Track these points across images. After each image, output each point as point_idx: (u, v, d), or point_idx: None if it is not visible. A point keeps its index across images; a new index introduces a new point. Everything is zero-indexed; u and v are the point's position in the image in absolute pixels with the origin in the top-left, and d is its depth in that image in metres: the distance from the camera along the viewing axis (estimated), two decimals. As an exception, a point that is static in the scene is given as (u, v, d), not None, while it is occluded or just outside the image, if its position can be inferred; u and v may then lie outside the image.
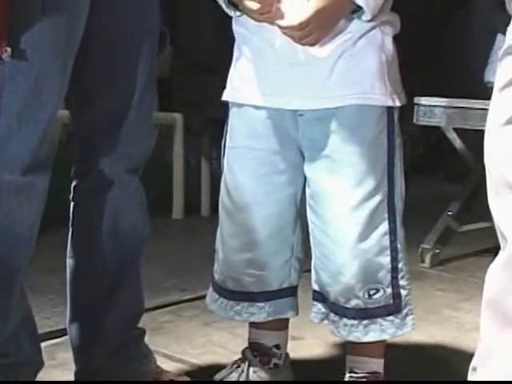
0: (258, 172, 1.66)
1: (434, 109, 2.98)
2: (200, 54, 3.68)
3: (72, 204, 1.72)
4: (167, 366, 1.98)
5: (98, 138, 1.64)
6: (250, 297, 1.72)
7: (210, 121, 3.86)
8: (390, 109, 1.62)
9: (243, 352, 1.81)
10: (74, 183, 1.71)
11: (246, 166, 1.67)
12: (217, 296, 1.75)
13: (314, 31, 1.50)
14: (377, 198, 1.61)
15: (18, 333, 1.60)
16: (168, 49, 3.93)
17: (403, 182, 1.67)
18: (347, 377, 1.73)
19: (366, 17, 1.55)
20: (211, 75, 3.36)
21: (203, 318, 2.31)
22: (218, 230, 1.74)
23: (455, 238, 3.17)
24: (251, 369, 1.77)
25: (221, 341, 2.18)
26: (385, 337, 1.67)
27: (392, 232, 1.63)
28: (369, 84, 1.59)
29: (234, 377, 1.77)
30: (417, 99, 2.98)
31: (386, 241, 1.62)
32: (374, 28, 1.58)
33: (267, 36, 1.57)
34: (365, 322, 1.64)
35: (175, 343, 2.16)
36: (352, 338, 1.66)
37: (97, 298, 1.71)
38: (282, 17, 1.50)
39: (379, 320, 1.64)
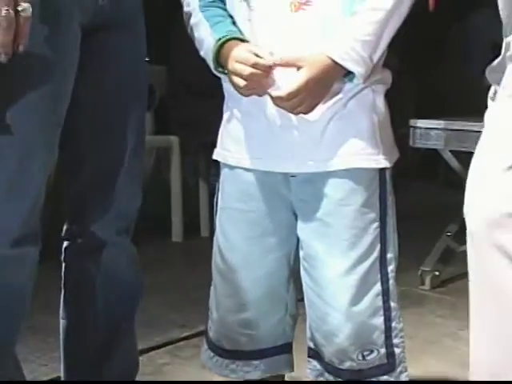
0: (251, 234, 1.64)
1: (429, 131, 2.97)
2: (194, 78, 3.67)
3: (63, 264, 1.71)
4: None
5: (88, 201, 1.63)
6: (245, 355, 1.70)
7: (206, 142, 3.87)
8: (382, 169, 1.60)
9: None
10: (65, 244, 1.70)
11: (239, 228, 1.65)
12: (212, 354, 1.75)
13: (304, 101, 1.48)
14: (369, 260, 1.60)
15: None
16: (162, 69, 3.94)
17: (396, 238, 1.65)
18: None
19: (358, 80, 1.53)
20: (206, 99, 3.36)
21: (201, 361, 2.31)
22: (212, 288, 1.73)
23: (455, 258, 3.17)
24: None
25: (219, 384, 2.18)
26: None
27: (385, 292, 1.62)
28: (360, 147, 1.56)
29: None
30: (413, 122, 2.98)
31: (379, 301, 1.61)
32: (365, 88, 1.56)
33: (257, 98, 1.55)
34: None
35: (173, 388, 2.16)
36: None
37: (90, 358, 1.71)
38: (271, 86, 1.49)
39: (374, 380, 1.63)
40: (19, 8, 1.31)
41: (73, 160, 1.62)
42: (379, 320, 1.61)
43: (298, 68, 1.49)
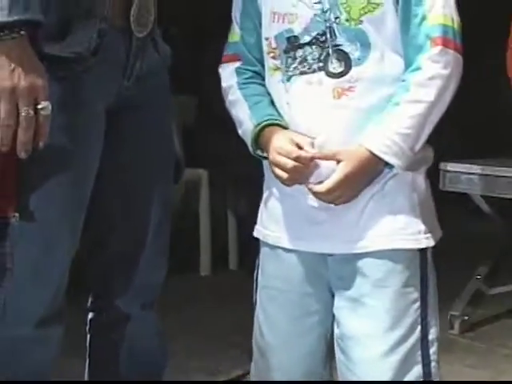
0: (292, 314, 1.62)
1: (460, 175, 2.94)
2: (224, 110, 3.67)
3: (88, 336, 1.72)
4: None
5: (112, 276, 1.64)
6: None
7: (235, 175, 3.87)
8: (423, 249, 1.57)
9: None
10: (90, 316, 1.71)
11: (280, 308, 1.63)
12: None
13: (344, 194, 1.48)
14: (409, 342, 1.56)
15: None
16: (192, 100, 3.95)
17: (437, 318, 1.62)
18: None
19: (398, 170, 1.51)
20: (236, 131, 3.36)
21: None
22: (252, 363, 1.70)
23: (485, 301, 3.14)
24: None
25: None
26: None
27: (426, 375, 1.57)
28: (399, 226, 1.54)
29: None
30: (443, 165, 2.96)
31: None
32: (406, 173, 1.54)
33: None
34: None
35: None
36: None
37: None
38: (311, 177, 1.49)
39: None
40: (39, 106, 1.32)
41: (98, 235, 1.62)
42: None
43: (338, 161, 1.48)
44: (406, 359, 1.56)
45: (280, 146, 1.50)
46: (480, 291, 3.12)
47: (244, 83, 1.60)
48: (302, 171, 1.49)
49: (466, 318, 3.02)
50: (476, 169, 2.91)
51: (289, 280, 1.62)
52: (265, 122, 1.53)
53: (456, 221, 4.02)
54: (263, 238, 1.65)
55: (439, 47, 1.50)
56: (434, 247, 1.67)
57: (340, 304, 1.60)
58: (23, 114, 1.31)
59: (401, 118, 1.48)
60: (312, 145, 1.50)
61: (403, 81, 1.52)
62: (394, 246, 1.54)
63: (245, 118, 1.57)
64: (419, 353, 1.58)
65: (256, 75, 1.61)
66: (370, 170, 1.50)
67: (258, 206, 1.64)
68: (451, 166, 2.95)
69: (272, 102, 1.57)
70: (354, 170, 1.48)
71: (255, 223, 1.70)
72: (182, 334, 2.89)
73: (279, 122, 1.53)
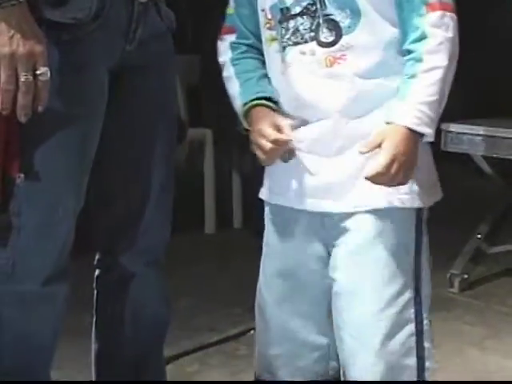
0: (288, 269, 1.67)
1: (461, 136, 2.97)
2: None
3: (95, 292, 1.77)
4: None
5: (118, 235, 1.69)
6: None
7: (239, 134, 3.89)
8: (418, 210, 1.60)
9: None
10: (96, 272, 1.76)
11: (275, 264, 1.69)
12: None
13: (401, 168, 1.52)
14: (403, 299, 1.60)
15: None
16: (196, 58, 3.95)
17: (429, 281, 1.66)
18: None
19: (428, 140, 1.57)
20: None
21: (229, 368, 2.36)
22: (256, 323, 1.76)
23: (485, 260, 3.18)
24: None
25: (247, 395, 2.23)
26: None
27: (419, 333, 1.62)
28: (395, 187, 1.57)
29: None
30: (445, 126, 2.97)
31: (412, 342, 1.62)
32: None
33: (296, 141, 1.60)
34: None
35: (202, 399, 2.22)
36: None
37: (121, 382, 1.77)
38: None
39: (374, 381, 1.63)
40: (38, 72, 1.36)
41: (103, 196, 1.67)
42: (412, 360, 1.62)
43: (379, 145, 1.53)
44: (399, 317, 1.61)
45: (260, 128, 1.56)
46: (480, 250, 3.15)
47: (237, 59, 1.66)
48: (278, 153, 1.56)
49: (466, 276, 3.05)
50: (478, 129, 2.93)
51: (287, 238, 1.66)
52: (250, 103, 1.60)
53: (457, 181, 4.06)
54: (265, 198, 1.71)
55: (438, 12, 1.54)
56: (435, 207, 1.71)
57: (334, 263, 1.64)
58: (22, 79, 1.35)
59: (423, 89, 1.53)
60: (291, 127, 1.57)
61: (410, 52, 1.56)
62: (389, 205, 1.58)
63: (235, 96, 1.64)
64: (412, 310, 1.62)
65: (250, 48, 1.67)
66: (411, 144, 1.53)
67: (262, 165, 1.68)
68: (453, 127, 2.97)
69: (264, 76, 1.63)
70: (398, 148, 1.51)
71: (260, 182, 1.74)
72: (186, 291, 2.93)
73: (265, 103, 1.59)
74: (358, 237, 1.61)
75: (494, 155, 2.92)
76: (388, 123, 1.55)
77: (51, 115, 1.43)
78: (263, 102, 1.60)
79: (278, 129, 1.56)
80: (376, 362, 1.61)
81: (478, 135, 2.92)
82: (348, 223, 1.61)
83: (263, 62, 1.66)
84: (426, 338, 1.65)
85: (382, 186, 1.57)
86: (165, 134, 1.66)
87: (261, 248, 1.78)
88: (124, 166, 1.65)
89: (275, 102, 1.61)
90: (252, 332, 2.62)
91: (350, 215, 1.61)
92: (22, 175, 1.46)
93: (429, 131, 1.54)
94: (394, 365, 1.62)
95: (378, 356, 1.61)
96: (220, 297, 2.91)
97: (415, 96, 1.53)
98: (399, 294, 1.61)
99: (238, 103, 1.64)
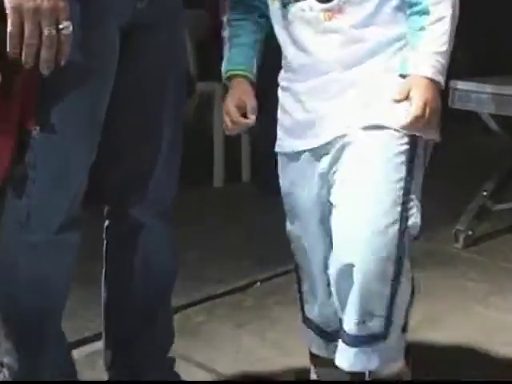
0: (316, 214, 1.76)
1: (469, 93, 2.97)
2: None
3: (105, 242, 1.81)
4: (199, 376, 2.11)
5: (128, 188, 1.72)
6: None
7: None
8: (413, 137, 1.66)
9: None
10: (106, 223, 1.80)
11: (302, 212, 1.78)
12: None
13: (432, 112, 1.62)
14: (394, 226, 1.64)
15: (55, 372, 1.71)
16: (201, 13, 3.94)
17: (419, 205, 1.69)
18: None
19: (441, 87, 1.65)
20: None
21: (235, 319, 2.41)
22: None
23: (490, 216, 3.21)
24: None
25: (251, 346, 2.27)
26: (371, 367, 1.73)
27: (398, 262, 1.66)
28: (393, 112, 1.64)
29: None
30: (453, 83, 2.98)
31: (390, 271, 1.66)
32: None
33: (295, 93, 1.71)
34: (355, 349, 1.70)
35: (208, 349, 2.26)
36: (339, 363, 1.74)
37: (129, 331, 1.82)
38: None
39: (367, 349, 1.70)
40: (60, 26, 1.38)
41: (114, 152, 1.70)
42: (386, 289, 1.67)
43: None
44: (382, 242, 1.63)
45: (228, 106, 1.74)
46: (485, 207, 3.18)
47: (234, 19, 1.76)
48: (238, 129, 1.77)
49: (471, 232, 3.08)
50: (485, 87, 2.94)
51: (304, 181, 1.75)
52: (230, 72, 1.76)
53: (464, 138, 4.07)
54: (279, 149, 1.80)
55: None
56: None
57: (334, 189, 1.71)
58: (46, 33, 1.38)
59: (434, 39, 1.62)
60: (254, 110, 1.72)
61: (412, 4, 1.62)
62: (384, 123, 1.64)
63: (224, 59, 1.78)
64: (396, 242, 1.64)
65: (251, 9, 1.75)
66: (434, 91, 1.63)
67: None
68: (461, 85, 2.98)
69: (255, 42, 1.76)
70: (425, 95, 1.61)
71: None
72: (195, 244, 2.98)
73: (244, 74, 1.75)
74: (351, 154, 1.66)
75: (502, 113, 2.93)
76: (402, 75, 1.63)
77: (71, 69, 1.46)
78: (243, 73, 1.74)
79: (244, 105, 1.71)
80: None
81: (486, 93, 2.93)
82: (343, 145, 1.67)
83: (262, 26, 1.76)
84: (405, 274, 1.68)
85: (380, 109, 1.65)
86: (174, 89, 1.69)
87: (269, 202, 1.82)
88: (134, 122, 1.67)
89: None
90: (258, 284, 2.68)
91: (346, 135, 1.67)
92: (38, 128, 1.50)
93: (441, 79, 1.64)
94: (369, 292, 1.66)
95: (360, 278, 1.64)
96: (228, 249, 2.95)
97: (428, 47, 1.62)
98: (384, 221, 1.64)
99: (223, 67, 1.78)
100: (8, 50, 1.41)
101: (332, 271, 1.71)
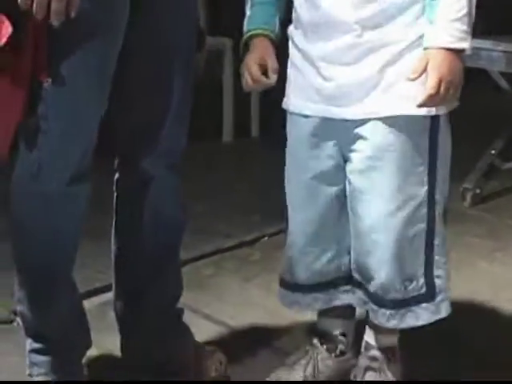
0: (304, 176, 1.76)
1: (479, 52, 2.96)
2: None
3: (115, 195, 1.84)
4: (207, 327, 2.15)
5: (138, 140, 1.74)
6: (305, 288, 1.84)
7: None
8: (434, 117, 1.67)
9: (310, 340, 1.92)
10: (116, 176, 1.82)
11: (295, 170, 1.78)
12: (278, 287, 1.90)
13: (449, 87, 1.60)
14: (416, 201, 1.69)
15: (68, 321, 1.76)
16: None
17: (447, 180, 1.75)
18: (363, 346, 1.87)
19: (468, 52, 1.64)
20: None
21: (243, 273, 2.45)
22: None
23: (499, 175, 3.22)
24: (319, 356, 1.88)
25: (259, 299, 2.31)
26: (420, 323, 1.77)
27: (430, 230, 1.72)
28: (412, 94, 1.63)
29: (302, 363, 1.88)
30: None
31: (422, 240, 1.71)
32: (420, 38, 1.64)
33: (311, 51, 1.69)
34: (402, 311, 1.75)
35: (216, 301, 2.30)
36: (390, 325, 1.77)
37: (138, 283, 1.85)
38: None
39: (415, 308, 1.75)
40: None
41: (124, 103, 1.71)
42: (421, 257, 1.72)
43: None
44: (411, 217, 1.70)
45: (250, 64, 1.72)
46: (494, 165, 3.19)
47: None
48: (257, 88, 1.75)
49: (478, 191, 3.10)
50: (496, 45, 2.93)
51: (304, 143, 1.75)
52: (251, 32, 1.73)
53: (474, 97, 4.05)
54: (285, 106, 1.79)
55: None
56: (450, 122, 1.75)
57: (349, 166, 1.72)
58: None
59: (449, 6, 1.59)
60: (275, 70, 1.71)
61: None
62: (403, 112, 1.65)
63: (246, 17, 1.77)
64: (425, 211, 1.71)
65: None
66: (453, 62, 1.60)
67: (281, 74, 1.75)
68: (472, 42, 2.96)
69: (277, 1, 1.75)
70: (441, 69, 1.59)
71: (278, 92, 1.82)
72: (204, 197, 3.00)
73: (266, 33, 1.73)
74: (374, 143, 1.68)
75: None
76: (426, 49, 1.61)
77: (81, 21, 1.47)
78: (264, 32, 1.72)
79: (265, 64, 1.70)
80: (389, 260, 1.70)
81: (497, 51, 2.93)
82: (363, 130, 1.68)
83: None
84: (437, 236, 1.75)
85: (397, 97, 1.64)
86: (185, 43, 1.70)
87: (277, 157, 1.84)
88: (145, 75, 1.69)
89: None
90: (266, 238, 2.71)
91: (365, 121, 1.67)
92: (50, 80, 1.51)
93: (466, 45, 1.61)
94: (406, 261, 1.71)
95: (391, 254, 1.70)
96: (236, 203, 2.98)
97: (444, 16, 1.59)
98: (412, 196, 1.69)
99: (245, 25, 1.76)
100: (19, 2, 1.42)
101: (358, 252, 1.75)
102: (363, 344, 1.87)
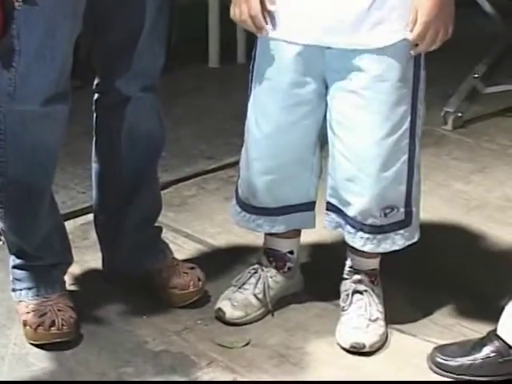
0: (285, 103, 1.76)
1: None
2: None
3: (94, 114, 1.87)
4: (188, 246, 2.21)
5: (114, 60, 1.77)
6: (270, 212, 1.87)
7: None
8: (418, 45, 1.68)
9: (259, 258, 1.98)
10: (95, 96, 1.85)
11: (274, 97, 1.76)
12: (239, 210, 1.91)
13: (439, 30, 1.64)
14: (400, 131, 1.73)
15: (50, 237, 1.81)
16: None
17: (424, 108, 1.77)
18: (346, 271, 1.92)
19: None
20: None
21: (224, 193, 2.48)
22: (243, 150, 1.87)
23: (480, 99, 3.24)
24: (268, 274, 1.94)
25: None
26: (395, 248, 1.83)
27: (411, 160, 1.76)
28: (400, 24, 1.66)
29: (252, 282, 1.93)
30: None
31: (405, 169, 1.76)
32: None
33: None
34: (379, 236, 1.81)
35: (196, 221, 2.35)
36: (366, 248, 1.83)
37: (118, 199, 1.90)
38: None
39: (391, 234, 1.81)
40: None
41: (100, 22, 1.73)
42: (403, 185, 1.77)
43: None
44: (396, 146, 1.74)
45: (256, 7, 1.66)
46: (476, 89, 3.21)
47: None
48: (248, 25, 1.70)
49: (460, 114, 3.11)
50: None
51: (284, 70, 1.74)
52: None
53: (458, 21, 4.05)
54: (270, 34, 1.72)
55: None
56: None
57: (336, 94, 1.74)
58: None
59: None
60: (273, 1, 1.66)
61: None
62: (393, 41, 1.67)
63: None
64: (407, 141, 1.75)
65: None
66: (442, 2, 1.63)
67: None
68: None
69: None
70: (429, 15, 1.63)
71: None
72: (188, 121, 3.03)
73: None
74: (361, 75, 1.70)
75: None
76: None
77: None
78: None
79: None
80: (373, 186, 1.74)
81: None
82: (350, 61, 1.69)
83: None
84: (416, 165, 1.79)
85: (388, 29, 1.66)
86: None
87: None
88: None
89: None
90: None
91: (351, 54, 1.68)
92: (21, 0, 1.53)
93: None
94: (387, 189, 1.76)
95: (375, 180, 1.74)
96: (220, 127, 2.99)
97: None
98: (397, 126, 1.73)
99: None
100: None
101: (339, 178, 1.77)
102: (346, 269, 1.91)
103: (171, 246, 2.06)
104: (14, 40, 1.57)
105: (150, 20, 1.73)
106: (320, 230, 1.97)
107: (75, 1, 1.61)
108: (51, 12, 1.57)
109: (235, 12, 1.71)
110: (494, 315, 1.79)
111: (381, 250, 1.83)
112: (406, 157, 1.76)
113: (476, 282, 2.09)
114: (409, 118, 1.74)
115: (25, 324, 1.79)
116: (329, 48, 1.70)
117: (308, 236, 2.04)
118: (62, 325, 1.76)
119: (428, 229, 2.30)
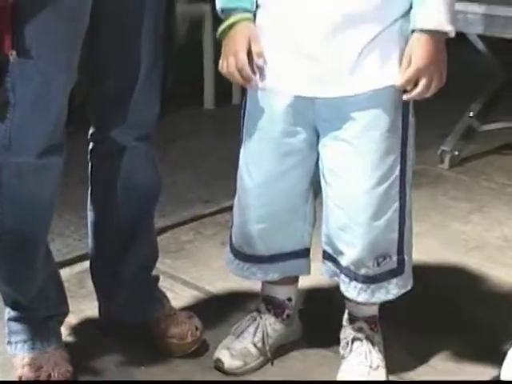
0: (275, 152, 1.74)
1: (457, 14, 2.97)
2: None
3: (89, 164, 1.87)
4: (185, 293, 2.19)
5: (110, 110, 1.76)
6: (264, 260, 1.85)
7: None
8: (406, 91, 1.67)
9: (257, 306, 1.96)
10: (90, 146, 1.85)
11: (265, 146, 1.75)
12: (233, 258, 1.89)
13: (432, 77, 1.63)
14: (391, 179, 1.72)
15: (46, 288, 1.79)
16: None
17: (414, 154, 1.76)
18: (345, 319, 1.90)
19: (451, 35, 1.65)
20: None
21: (222, 237, 2.45)
22: (236, 198, 1.86)
23: (476, 137, 3.24)
24: (267, 321, 1.92)
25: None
26: (390, 297, 1.81)
27: (402, 207, 1.74)
28: (387, 69, 1.65)
29: (251, 330, 1.91)
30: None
31: (396, 217, 1.74)
32: (395, 21, 1.65)
33: (287, 28, 1.66)
34: (373, 286, 1.78)
35: (193, 267, 2.33)
36: (360, 299, 1.80)
37: (115, 247, 1.89)
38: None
39: (385, 283, 1.79)
40: None
41: (96, 72, 1.74)
42: (395, 234, 1.75)
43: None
44: (387, 195, 1.73)
45: (242, 60, 1.66)
46: (472, 128, 3.22)
47: None
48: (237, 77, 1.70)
49: (457, 153, 3.13)
50: (473, 8, 2.93)
51: (275, 120, 1.73)
52: (237, 18, 1.68)
53: (451, 59, 4.06)
54: (259, 85, 1.71)
55: None
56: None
57: (327, 143, 1.73)
58: None
59: None
60: (261, 54, 1.66)
61: None
62: (380, 85, 1.65)
63: None
64: (397, 189, 1.74)
65: None
66: (436, 48, 1.63)
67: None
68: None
69: None
70: (423, 61, 1.62)
71: None
72: (184, 165, 3.03)
73: (249, 16, 1.67)
74: (351, 124, 1.69)
75: (490, 34, 2.94)
76: (413, 31, 1.62)
77: None
78: (248, 15, 1.67)
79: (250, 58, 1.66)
80: (364, 235, 1.73)
81: (474, 13, 2.93)
82: (339, 110, 1.68)
83: None
84: (407, 213, 1.77)
85: (376, 73, 1.65)
86: (152, 10, 1.70)
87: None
88: (113, 43, 1.70)
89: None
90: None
91: (340, 103, 1.67)
92: (14, 52, 1.53)
93: (451, 28, 1.63)
94: (379, 238, 1.74)
95: (367, 230, 1.73)
96: (216, 170, 2.99)
97: (432, 1, 1.60)
98: (387, 174, 1.72)
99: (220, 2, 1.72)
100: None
101: (332, 227, 1.76)
102: (345, 316, 1.90)
103: (168, 293, 2.04)
104: (8, 93, 1.57)
105: (145, 69, 1.73)
106: (317, 275, 1.94)
107: (70, 54, 1.61)
108: (46, 65, 1.57)
109: (223, 65, 1.72)
110: (496, 359, 1.77)
111: (375, 299, 1.81)
112: (397, 205, 1.74)
113: (477, 326, 2.07)
114: (398, 167, 1.73)
115: (20, 378, 1.76)
116: (318, 98, 1.69)
117: (306, 281, 2.02)
118: (59, 378, 1.74)
119: (426, 271, 2.31)
